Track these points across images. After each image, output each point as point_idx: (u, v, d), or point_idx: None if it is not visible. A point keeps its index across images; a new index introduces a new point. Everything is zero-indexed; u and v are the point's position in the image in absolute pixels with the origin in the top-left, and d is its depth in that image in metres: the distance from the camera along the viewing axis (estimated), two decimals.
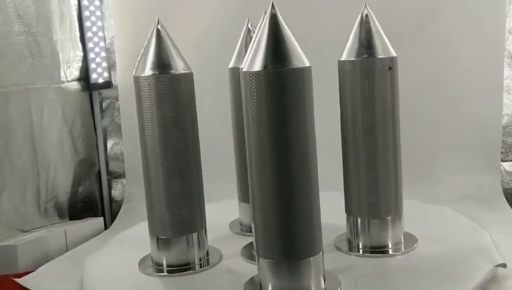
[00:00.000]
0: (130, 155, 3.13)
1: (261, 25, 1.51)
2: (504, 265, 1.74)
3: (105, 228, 2.89)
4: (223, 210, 2.39)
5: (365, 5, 1.86)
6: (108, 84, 3.13)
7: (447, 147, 2.87)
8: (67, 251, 2.48)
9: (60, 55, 2.82)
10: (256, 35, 1.51)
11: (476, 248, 1.90)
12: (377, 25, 1.82)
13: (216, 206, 2.33)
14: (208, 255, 1.96)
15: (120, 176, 3.21)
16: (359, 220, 1.89)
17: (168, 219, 1.86)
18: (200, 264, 1.91)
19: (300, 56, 1.47)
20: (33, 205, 2.62)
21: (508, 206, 2.67)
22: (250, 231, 1.71)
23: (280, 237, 1.52)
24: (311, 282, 1.56)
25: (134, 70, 1.79)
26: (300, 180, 1.50)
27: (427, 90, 2.87)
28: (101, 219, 2.92)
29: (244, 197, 2.23)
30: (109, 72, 3.14)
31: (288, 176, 1.48)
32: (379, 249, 1.88)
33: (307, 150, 1.49)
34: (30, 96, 2.59)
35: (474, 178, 2.79)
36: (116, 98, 3.15)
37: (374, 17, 1.83)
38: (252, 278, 1.71)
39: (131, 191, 3.11)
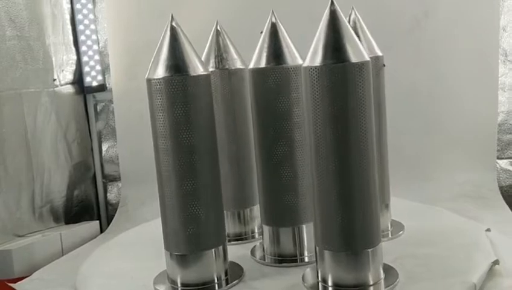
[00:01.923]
0: (125, 158, 3.13)
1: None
2: (497, 262, 1.74)
3: (101, 232, 2.89)
4: None
5: (352, 8, 1.89)
6: (102, 87, 3.13)
7: (443, 146, 2.87)
8: (63, 255, 2.47)
9: (53, 59, 2.81)
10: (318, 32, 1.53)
11: (471, 246, 1.89)
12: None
13: None
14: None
15: (115, 179, 3.20)
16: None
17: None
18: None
19: (360, 51, 1.49)
20: (28, 209, 2.61)
21: (505, 203, 2.67)
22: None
23: (340, 228, 1.53)
24: (369, 273, 1.57)
25: (148, 72, 1.68)
26: (359, 172, 1.51)
27: (422, 89, 2.87)
28: (97, 222, 2.92)
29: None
30: (103, 75, 3.13)
31: (349, 168, 1.50)
32: None
33: (366, 143, 1.50)
34: (23, 100, 2.59)
35: (470, 176, 2.79)
36: (111, 101, 3.14)
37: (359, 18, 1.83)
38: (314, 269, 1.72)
39: (127, 194, 3.10)
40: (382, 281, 1.60)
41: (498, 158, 2.86)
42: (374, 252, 1.56)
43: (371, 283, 1.57)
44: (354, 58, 1.46)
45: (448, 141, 2.87)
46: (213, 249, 1.66)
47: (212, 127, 1.66)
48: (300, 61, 1.72)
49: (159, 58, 1.62)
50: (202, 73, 1.61)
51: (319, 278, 1.61)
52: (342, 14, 1.51)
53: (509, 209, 2.59)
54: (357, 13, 1.88)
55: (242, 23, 2.92)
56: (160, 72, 1.60)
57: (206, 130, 1.63)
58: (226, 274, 1.71)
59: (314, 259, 1.65)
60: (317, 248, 1.61)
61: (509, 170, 2.86)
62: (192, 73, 1.59)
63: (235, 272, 1.76)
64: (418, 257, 1.78)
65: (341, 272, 1.56)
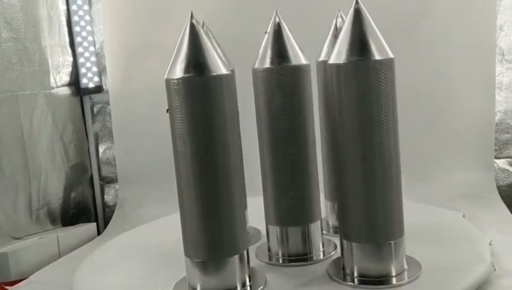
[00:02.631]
0: (122, 160, 3.12)
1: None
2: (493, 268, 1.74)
3: (99, 234, 2.88)
4: None
5: (339, 10, 1.94)
6: (99, 89, 3.12)
7: (440, 146, 2.87)
8: (60, 257, 2.46)
9: (49, 61, 2.81)
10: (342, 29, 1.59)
11: (470, 246, 1.89)
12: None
13: None
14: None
15: (112, 181, 3.19)
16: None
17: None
18: None
19: (384, 48, 1.54)
20: (25, 211, 2.60)
21: (503, 203, 2.66)
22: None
23: (363, 221, 1.59)
24: (392, 264, 1.61)
25: (167, 71, 1.56)
26: (382, 163, 1.55)
27: (420, 89, 2.86)
28: (94, 224, 2.91)
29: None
30: (100, 77, 3.12)
31: (373, 162, 1.55)
32: None
33: (389, 137, 1.54)
34: (19, 102, 2.58)
35: (468, 176, 2.79)
36: (107, 103, 3.14)
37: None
38: (337, 260, 1.77)
39: (124, 195, 3.09)
40: (405, 272, 1.64)
41: (496, 158, 2.86)
42: (396, 243, 1.60)
43: (394, 274, 1.61)
44: (377, 56, 1.52)
45: (445, 140, 2.87)
46: (235, 256, 1.59)
47: (236, 128, 1.61)
48: (304, 61, 1.77)
49: (178, 57, 1.53)
50: (223, 73, 1.53)
51: (345, 270, 1.67)
52: (366, 12, 1.57)
53: (507, 209, 2.59)
54: (343, 16, 1.91)
55: (239, 23, 2.92)
56: (179, 71, 1.51)
57: (228, 133, 1.55)
58: (250, 280, 1.66)
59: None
60: (342, 240, 1.66)
61: (507, 170, 2.86)
62: (213, 73, 1.51)
63: (257, 278, 1.71)
64: (415, 256, 1.77)
65: (365, 263, 1.61)
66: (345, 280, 1.65)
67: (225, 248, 1.58)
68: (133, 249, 2.18)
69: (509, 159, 2.86)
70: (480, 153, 2.83)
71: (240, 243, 1.61)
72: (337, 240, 1.83)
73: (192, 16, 1.55)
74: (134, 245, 2.24)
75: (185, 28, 1.55)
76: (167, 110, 1.53)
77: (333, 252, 1.87)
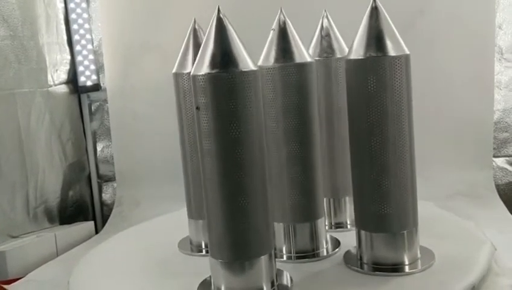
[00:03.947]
0: (120, 158, 3.11)
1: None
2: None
3: (96, 232, 2.88)
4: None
5: (324, 10, 2.00)
6: (96, 87, 3.11)
7: (439, 144, 2.86)
8: (57, 256, 2.46)
9: (47, 59, 2.80)
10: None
11: (469, 244, 1.89)
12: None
13: None
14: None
15: (110, 179, 3.18)
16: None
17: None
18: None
19: (400, 45, 1.64)
20: (22, 210, 2.59)
21: (501, 202, 2.66)
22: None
23: (377, 212, 1.67)
24: (405, 254, 1.69)
25: (194, 67, 1.52)
26: (397, 156, 1.66)
27: (418, 87, 2.84)
28: (92, 223, 2.91)
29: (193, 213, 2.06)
30: (97, 75, 3.11)
31: (386, 154, 1.65)
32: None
33: (402, 131, 1.68)
34: (17, 100, 2.57)
35: (466, 175, 2.78)
36: (105, 101, 3.13)
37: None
38: (353, 250, 1.85)
39: (122, 194, 3.09)
40: (419, 261, 1.72)
41: (494, 156, 2.85)
42: (409, 233, 1.69)
43: (407, 262, 1.70)
44: (392, 52, 1.61)
45: (444, 139, 2.86)
46: (262, 257, 1.56)
47: (263, 125, 1.56)
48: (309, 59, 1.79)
49: (205, 53, 1.49)
50: (252, 68, 1.49)
51: (361, 259, 1.75)
52: (384, 10, 1.68)
53: (505, 208, 2.59)
54: (329, 18, 2.01)
55: (238, 21, 2.92)
56: (206, 67, 1.47)
57: (255, 129, 1.51)
58: (275, 282, 1.63)
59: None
60: (357, 230, 1.75)
61: (505, 168, 2.85)
62: (242, 69, 1.47)
63: (283, 277, 1.70)
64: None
65: (379, 252, 1.70)
66: (362, 268, 1.73)
67: (252, 248, 1.55)
68: (130, 248, 2.17)
69: (507, 158, 2.86)
70: (479, 152, 2.83)
71: (267, 243, 1.58)
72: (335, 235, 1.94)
73: (219, 10, 1.51)
74: (132, 244, 2.24)
75: (212, 22, 1.51)
76: (197, 108, 1.50)
77: (337, 249, 1.90)
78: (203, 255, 1.95)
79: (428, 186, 2.71)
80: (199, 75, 1.47)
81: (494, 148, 2.85)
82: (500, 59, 2.81)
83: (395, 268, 1.68)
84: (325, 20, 2.05)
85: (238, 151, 1.49)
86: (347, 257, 1.82)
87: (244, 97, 1.47)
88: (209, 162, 1.51)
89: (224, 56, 1.47)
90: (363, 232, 1.72)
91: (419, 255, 1.73)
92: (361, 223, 1.73)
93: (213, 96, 1.46)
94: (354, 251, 1.83)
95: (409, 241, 1.69)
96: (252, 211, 1.52)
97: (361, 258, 1.75)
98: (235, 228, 1.52)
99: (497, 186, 2.79)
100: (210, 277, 1.64)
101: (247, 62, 1.48)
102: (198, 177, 1.83)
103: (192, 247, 2.05)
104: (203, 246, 2.02)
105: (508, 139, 2.85)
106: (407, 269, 1.68)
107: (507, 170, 2.85)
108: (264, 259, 1.56)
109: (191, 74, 1.51)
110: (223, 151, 1.48)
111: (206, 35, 1.52)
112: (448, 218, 2.22)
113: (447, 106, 2.85)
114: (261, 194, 1.54)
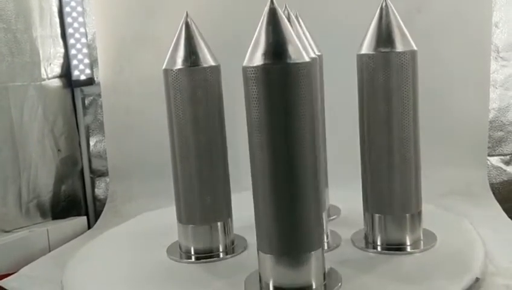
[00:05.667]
0: (113, 153, 3.09)
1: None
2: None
3: (89, 227, 2.86)
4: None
5: (285, 6, 1.89)
6: (90, 81, 3.08)
7: (434, 143, 2.85)
8: (49, 251, 2.44)
9: (41, 52, 2.77)
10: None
11: (463, 243, 1.89)
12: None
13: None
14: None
15: (103, 174, 3.16)
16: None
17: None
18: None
19: (408, 40, 1.79)
20: (15, 204, 2.58)
21: (495, 201, 2.66)
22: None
23: (384, 195, 1.85)
24: (407, 235, 1.86)
25: (246, 58, 1.50)
26: (403, 147, 1.80)
27: None
28: (85, 218, 2.89)
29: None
30: (91, 69, 3.09)
31: (391, 143, 1.81)
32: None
33: (409, 120, 1.79)
34: (10, 94, 2.55)
35: (461, 173, 2.78)
36: (99, 95, 3.10)
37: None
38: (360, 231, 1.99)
39: (115, 189, 3.07)
40: (421, 242, 1.88)
41: (489, 155, 2.85)
42: (412, 217, 1.85)
43: (409, 243, 1.86)
44: (400, 47, 1.77)
45: (439, 137, 2.86)
46: (312, 252, 1.54)
47: (315, 119, 1.54)
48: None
49: (257, 44, 1.46)
50: (304, 60, 1.46)
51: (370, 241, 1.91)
52: (393, 8, 1.79)
53: (499, 207, 2.59)
54: (291, 13, 1.92)
55: (233, 18, 2.90)
56: (259, 59, 1.44)
57: (306, 124, 1.48)
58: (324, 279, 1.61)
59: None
60: (366, 213, 1.91)
61: (500, 167, 2.86)
62: (296, 60, 1.44)
63: (332, 275, 1.66)
64: None
65: (385, 233, 1.87)
66: (367, 247, 1.90)
67: (302, 242, 1.53)
68: (123, 243, 2.16)
69: (502, 157, 2.86)
70: (474, 151, 2.83)
71: (318, 237, 1.56)
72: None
73: (272, 2, 1.47)
74: (125, 239, 2.23)
75: (265, 13, 1.47)
76: None
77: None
78: (192, 262, 1.92)
79: (423, 184, 2.72)
80: (251, 67, 1.45)
81: (488, 147, 2.85)
82: (496, 58, 2.81)
83: (400, 248, 1.86)
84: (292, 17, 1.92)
85: (289, 143, 1.47)
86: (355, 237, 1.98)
87: (297, 89, 1.45)
88: (260, 155, 1.49)
89: (278, 47, 1.44)
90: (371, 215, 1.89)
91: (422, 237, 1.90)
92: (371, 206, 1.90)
93: (265, 88, 1.44)
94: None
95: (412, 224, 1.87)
96: (303, 204, 1.50)
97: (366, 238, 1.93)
98: (285, 221, 1.50)
99: (492, 185, 2.79)
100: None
101: (300, 53, 1.45)
102: (188, 181, 1.88)
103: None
104: (192, 252, 1.95)
105: (503, 138, 2.85)
106: (409, 249, 1.85)
107: (501, 169, 2.85)
108: (314, 254, 1.54)
109: (243, 65, 1.48)
110: (274, 143, 1.47)
111: (258, 26, 1.48)
112: (442, 216, 2.22)
113: (442, 104, 2.84)
114: (313, 187, 1.52)
